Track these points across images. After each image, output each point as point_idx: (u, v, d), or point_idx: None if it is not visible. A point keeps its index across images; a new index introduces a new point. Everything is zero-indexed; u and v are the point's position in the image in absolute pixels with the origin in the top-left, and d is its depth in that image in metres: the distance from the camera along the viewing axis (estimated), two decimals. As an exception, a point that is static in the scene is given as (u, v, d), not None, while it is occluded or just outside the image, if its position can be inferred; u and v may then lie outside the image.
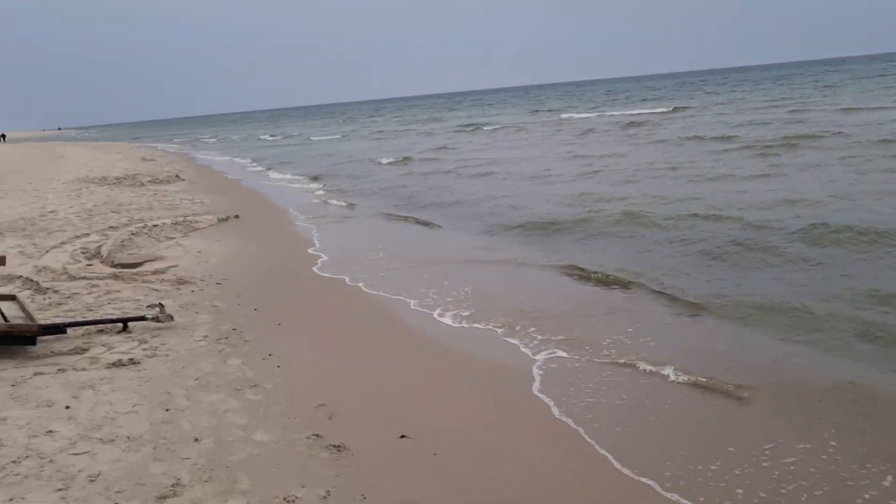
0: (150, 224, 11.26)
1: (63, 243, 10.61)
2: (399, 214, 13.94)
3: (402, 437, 4.40)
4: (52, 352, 5.73)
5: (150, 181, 20.22)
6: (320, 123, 78.84)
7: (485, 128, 41.20)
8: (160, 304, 6.62)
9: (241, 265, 9.36)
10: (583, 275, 8.27)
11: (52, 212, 14.42)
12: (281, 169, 25.73)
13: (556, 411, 4.80)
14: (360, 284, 8.38)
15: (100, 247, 10.06)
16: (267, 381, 5.24)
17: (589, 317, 6.75)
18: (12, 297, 6.42)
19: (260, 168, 27.49)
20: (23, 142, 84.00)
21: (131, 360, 5.59)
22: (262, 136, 57.91)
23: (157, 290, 7.94)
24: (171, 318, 6.57)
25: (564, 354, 5.81)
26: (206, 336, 6.33)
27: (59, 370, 5.32)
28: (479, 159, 23.20)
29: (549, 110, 56.74)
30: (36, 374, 5.23)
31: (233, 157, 35.69)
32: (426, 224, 12.68)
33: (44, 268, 8.80)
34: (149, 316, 6.46)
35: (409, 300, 7.62)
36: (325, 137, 48.04)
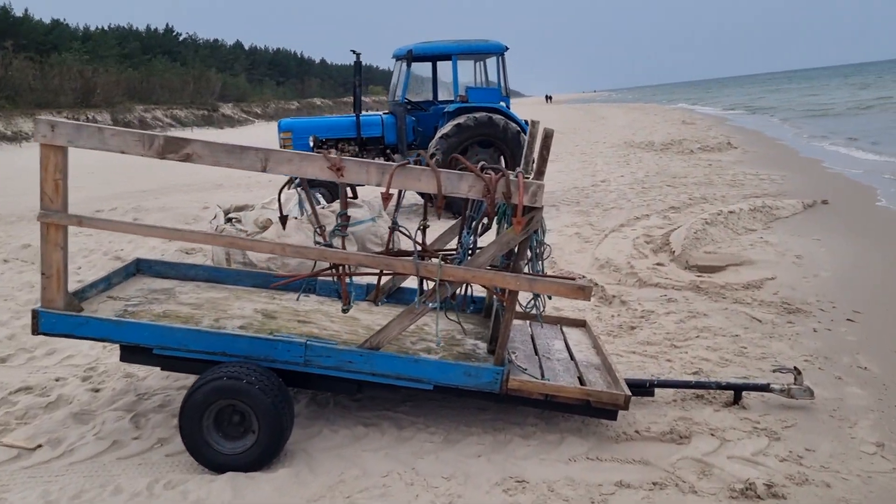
0: (725, 210, 8.86)
1: (622, 226, 8.98)
2: None
3: None
4: (628, 433, 3.71)
5: (699, 148, 17.99)
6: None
7: None
8: (795, 368, 4.08)
9: (871, 285, 6.25)
10: None
11: (603, 181, 13.26)
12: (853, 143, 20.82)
13: None
14: None
15: (667, 235, 8.07)
16: None
17: None
18: (582, 324, 4.67)
19: (814, 136, 22.88)
20: (564, 103, 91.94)
21: (768, 485, 3.20)
22: (815, 99, 50.89)
23: (756, 318, 5.47)
24: (811, 393, 3.99)
25: None
26: (878, 443, 3.59)
27: (648, 486, 3.23)
28: None
29: None
30: (620, 485, 3.24)
31: (772, 119, 31.30)
32: None
33: (606, 262, 7.15)
34: (776, 387, 4.00)
35: None
36: None
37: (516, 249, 3.40)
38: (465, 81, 10.95)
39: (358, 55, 9.82)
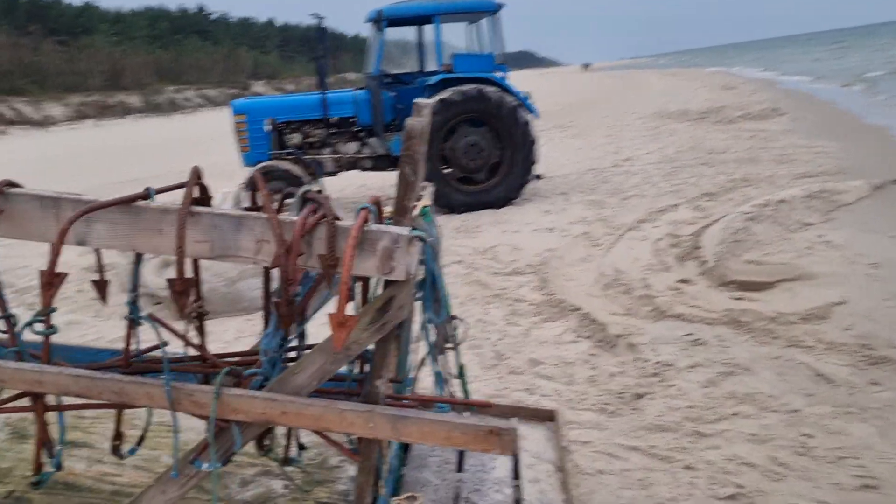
0: (773, 200, 7.03)
1: (642, 221, 7.22)
2: None
3: None
4: None
5: (741, 116, 15.92)
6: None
7: None
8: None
9: None
10: None
11: (626, 160, 11.44)
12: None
13: None
14: None
15: (698, 236, 6.32)
16: None
17: None
18: (550, 416, 3.01)
19: (878, 99, 20.45)
20: (602, 71, 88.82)
21: None
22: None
23: (823, 374, 3.75)
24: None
25: None
26: None
27: None
28: None
29: None
30: None
31: (829, 81, 28.63)
32: None
33: (615, 279, 5.44)
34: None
35: None
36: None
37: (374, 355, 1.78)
38: (460, 47, 9.23)
39: (320, 19, 8.17)
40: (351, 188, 10.96)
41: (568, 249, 6.40)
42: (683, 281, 5.29)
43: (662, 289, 5.12)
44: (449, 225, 7.72)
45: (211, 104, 61.79)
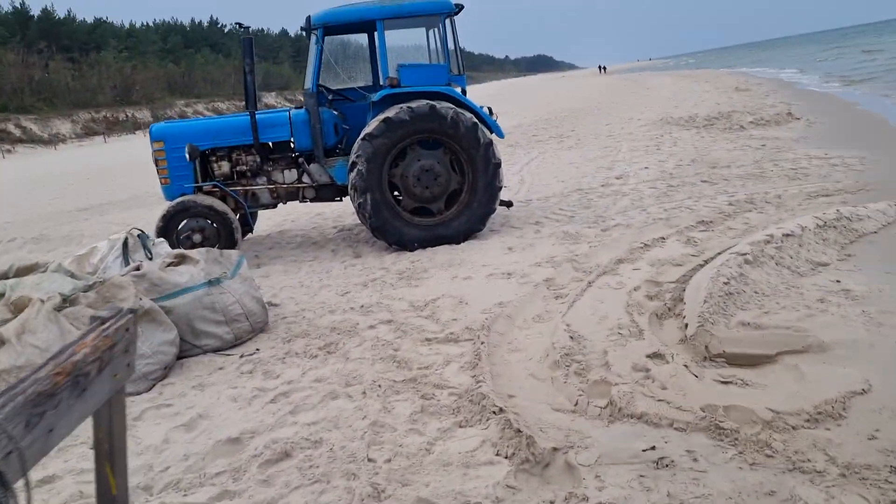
0: (777, 234, 5.75)
1: (620, 261, 5.99)
2: None
3: None
4: None
5: (750, 122, 14.59)
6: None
7: None
8: None
9: None
10: None
11: (619, 178, 10.20)
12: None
13: None
14: None
15: (682, 286, 5.11)
16: None
17: None
18: None
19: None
20: (618, 73, 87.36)
21: None
22: None
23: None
24: None
25: None
26: None
27: None
28: None
29: None
30: None
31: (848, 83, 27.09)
32: None
33: (569, 350, 4.22)
34: None
35: None
36: None
37: None
38: (417, 58, 8.06)
39: (246, 28, 7.04)
40: (305, 218, 9.84)
41: (523, 304, 5.20)
42: (656, 355, 4.07)
43: (626, 370, 3.90)
44: (394, 268, 6.56)
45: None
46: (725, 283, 4.84)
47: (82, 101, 72.03)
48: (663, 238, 6.55)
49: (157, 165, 7.29)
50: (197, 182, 7.29)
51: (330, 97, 7.65)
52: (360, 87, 7.74)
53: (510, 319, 4.92)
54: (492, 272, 6.04)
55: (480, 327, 4.70)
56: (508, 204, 7.97)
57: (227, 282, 5.03)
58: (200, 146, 7.17)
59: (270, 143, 7.50)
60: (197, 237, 6.90)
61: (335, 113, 7.53)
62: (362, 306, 5.51)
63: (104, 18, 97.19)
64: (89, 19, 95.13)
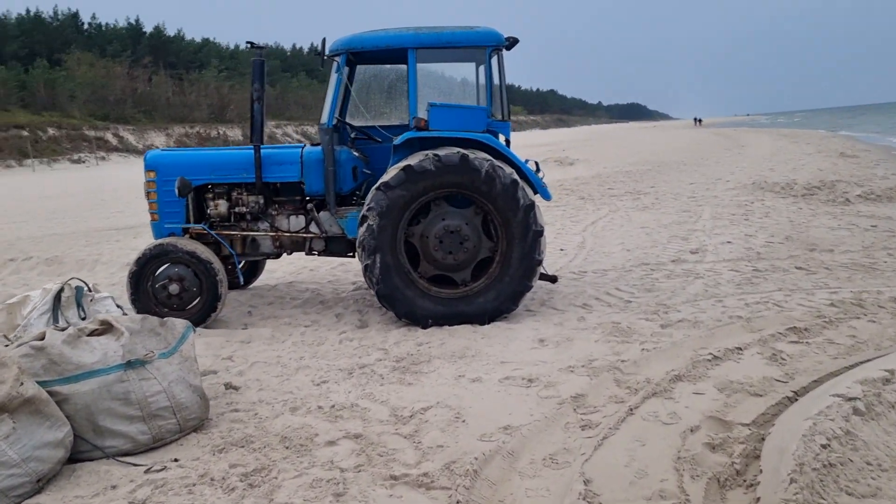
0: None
1: (676, 378, 4.56)
2: None
3: None
4: None
5: (858, 196, 12.72)
6: None
7: None
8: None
9: None
10: None
11: (694, 252, 8.69)
12: None
13: None
14: None
15: (761, 429, 3.66)
16: None
17: None
18: None
19: None
20: (713, 127, 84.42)
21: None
22: None
23: None
24: None
25: None
26: None
27: None
28: None
29: None
30: None
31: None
32: None
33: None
34: None
35: None
36: None
37: None
38: (461, 98, 6.89)
39: (259, 49, 6.04)
40: (326, 267, 8.74)
41: (536, 433, 3.86)
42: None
43: None
44: (394, 352, 5.31)
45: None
46: (825, 447, 3.37)
47: (179, 115, 74.90)
48: (740, 349, 5.06)
49: (147, 198, 6.34)
50: (189, 222, 6.30)
51: (353, 135, 6.54)
52: (387, 127, 6.58)
53: (512, 459, 3.58)
54: (510, 374, 4.72)
55: (466, 473, 3.38)
56: (552, 279, 6.63)
57: (155, 363, 3.91)
58: (194, 181, 6.18)
59: (278, 184, 6.43)
60: (174, 287, 5.87)
61: (356, 154, 6.42)
62: (333, 406, 4.29)
63: (211, 38, 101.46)
64: (198, 38, 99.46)
